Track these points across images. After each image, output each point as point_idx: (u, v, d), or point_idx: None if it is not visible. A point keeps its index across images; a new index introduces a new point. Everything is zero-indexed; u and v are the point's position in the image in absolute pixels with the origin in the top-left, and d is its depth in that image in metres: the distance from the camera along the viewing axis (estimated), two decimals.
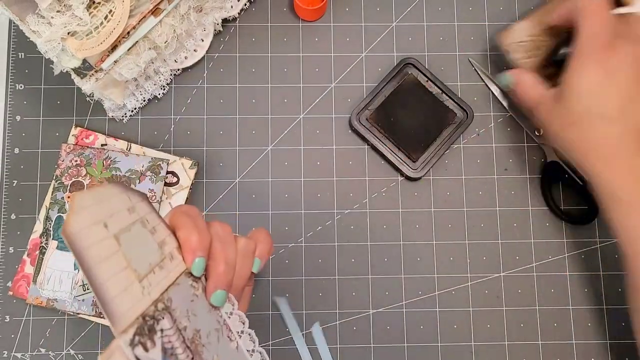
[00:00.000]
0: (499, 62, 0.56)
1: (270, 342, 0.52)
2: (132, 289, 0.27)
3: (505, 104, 0.55)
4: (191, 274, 0.32)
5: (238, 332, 0.34)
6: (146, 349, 0.26)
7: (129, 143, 0.53)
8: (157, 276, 0.29)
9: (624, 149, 0.41)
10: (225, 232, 0.35)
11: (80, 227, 0.26)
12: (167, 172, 0.53)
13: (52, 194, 0.52)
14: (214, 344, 0.31)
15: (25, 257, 0.52)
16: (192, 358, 0.29)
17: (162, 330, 0.28)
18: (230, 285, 0.34)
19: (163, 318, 0.28)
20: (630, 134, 0.40)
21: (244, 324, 0.34)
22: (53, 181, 0.52)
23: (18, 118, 0.54)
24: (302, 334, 0.51)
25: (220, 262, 0.33)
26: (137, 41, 0.48)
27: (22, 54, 0.55)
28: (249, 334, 0.34)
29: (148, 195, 0.51)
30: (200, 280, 0.33)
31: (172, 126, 0.55)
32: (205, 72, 0.55)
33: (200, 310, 0.32)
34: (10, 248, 0.52)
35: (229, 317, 0.34)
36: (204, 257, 0.32)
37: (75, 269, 0.51)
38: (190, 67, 0.55)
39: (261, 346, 0.35)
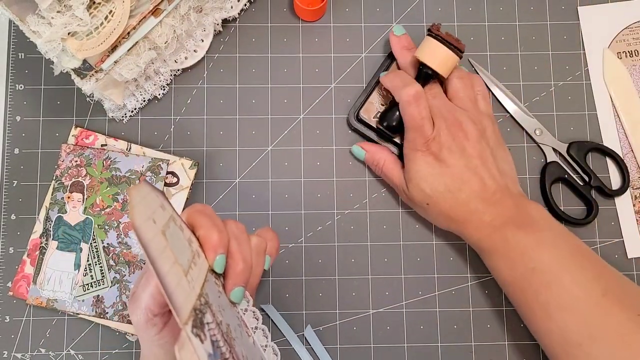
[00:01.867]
0: (499, 62, 0.56)
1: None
2: (182, 283, 0.28)
3: (506, 104, 0.55)
4: (213, 271, 0.33)
5: (252, 328, 0.34)
6: (202, 341, 0.26)
7: (129, 143, 0.53)
8: (194, 272, 0.30)
9: (473, 210, 0.47)
10: (240, 230, 0.36)
11: (142, 221, 0.27)
12: (167, 173, 0.53)
13: (52, 194, 0.52)
14: (239, 338, 0.32)
15: (25, 257, 0.52)
16: (230, 351, 0.29)
17: (207, 324, 0.28)
18: (247, 282, 0.35)
19: (206, 312, 0.29)
20: (474, 198, 0.47)
21: (257, 320, 0.35)
22: (53, 181, 0.52)
23: (18, 118, 0.54)
24: (302, 335, 0.51)
25: (239, 260, 0.34)
26: (137, 41, 0.48)
27: (22, 54, 0.55)
28: (263, 330, 0.35)
29: None
30: (220, 278, 0.34)
31: (172, 126, 0.55)
32: (205, 72, 0.55)
33: (226, 306, 0.32)
34: (10, 248, 0.52)
35: (244, 314, 0.34)
36: (225, 254, 0.33)
37: (75, 269, 0.51)
38: (190, 68, 0.55)
39: None
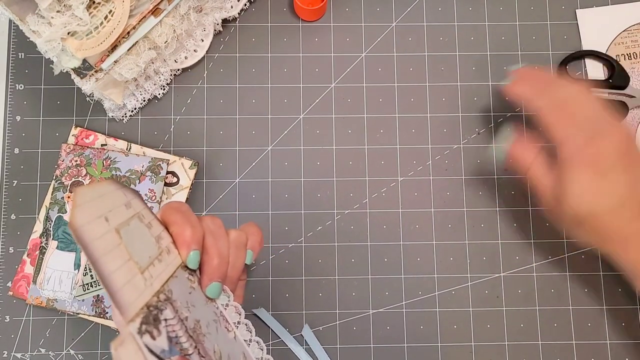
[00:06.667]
0: (499, 62, 0.56)
1: (271, 342, 0.52)
2: (135, 281, 0.28)
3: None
4: (187, 267, 0.33)
5: (235, 323, 0.35)
6: (153, 337, 0.27)
7: (129, 143, 0.53)
8: (157, 269, 0.30)
9: (635, 230, 0.42)
10: (216, 225, 0.35)
11: (85, 221, 0.26)
12: (167, 172, 0.53)
13: (52, 194, 0.52)
14: (213, 334, 0.32)
15: (25, 257, 0.52)
16: (196, 346, 0.29)
17: (165, 320, 0.28)
18: (225, 277, 0.35)
19: (166, 308, 0.29)
20: (638, 215, 0.42)
21: (240, 314, 0.35)
22: (53, 181, 0.52)
23: (18, 118, 0.54)
24: (300, 335, 0.51)
25: (214, 256, 0.34)
26: (137, 41, 0.48)
27: (22, 54, 0.55)
28: (246, 324, 0.35)
29: (148, 196, 0.51)
30: (196, 274, 0.34)
31: (172, 126, 0.55)
32: (205, 72, 0.55)
33: (198, 302, 0.32)
34: (10, 248, 0.52)
35: (225, 309, 0.35)
36: (199, 250, 0.33)
37: (75, 269, 0.51)
38: (190, 67, 0.55)
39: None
